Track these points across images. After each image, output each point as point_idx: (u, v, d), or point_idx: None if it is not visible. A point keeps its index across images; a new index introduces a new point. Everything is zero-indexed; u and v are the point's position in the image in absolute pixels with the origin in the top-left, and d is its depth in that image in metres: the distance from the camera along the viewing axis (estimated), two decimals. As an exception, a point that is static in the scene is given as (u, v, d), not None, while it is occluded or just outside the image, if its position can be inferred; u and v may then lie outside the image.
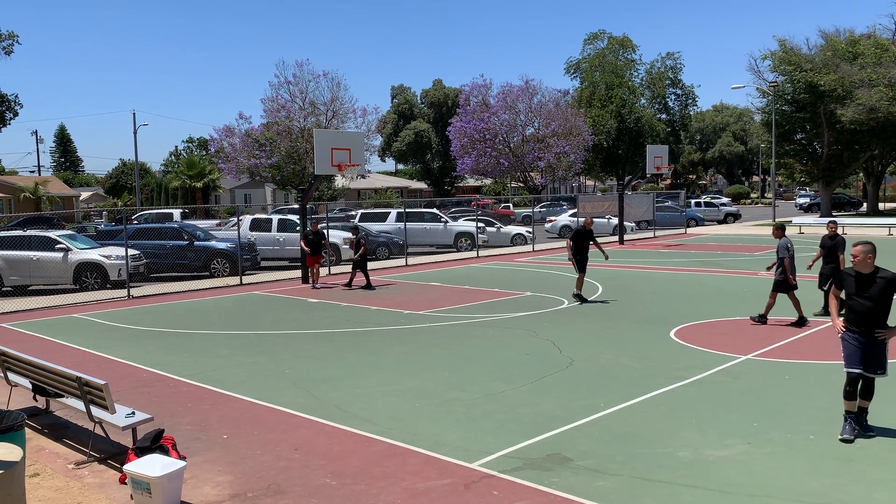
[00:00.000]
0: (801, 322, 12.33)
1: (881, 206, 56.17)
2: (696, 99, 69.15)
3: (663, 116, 65.87)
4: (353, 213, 34.84)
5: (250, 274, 22.22)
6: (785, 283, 12.16)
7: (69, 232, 22.10)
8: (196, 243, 22.32)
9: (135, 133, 57.76)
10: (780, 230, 12.63)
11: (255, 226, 25.64)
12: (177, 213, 34.02)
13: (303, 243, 19.42)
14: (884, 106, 39.22)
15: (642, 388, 8.68)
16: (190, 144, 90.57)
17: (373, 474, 6.33)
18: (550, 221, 38.53)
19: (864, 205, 56.43)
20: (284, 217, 26.10)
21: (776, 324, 12.46)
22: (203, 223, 30.40)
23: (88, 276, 19.42)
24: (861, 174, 56.63)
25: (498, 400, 8.39)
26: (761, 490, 5.79)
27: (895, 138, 42.79)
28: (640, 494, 5.77)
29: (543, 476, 6.16)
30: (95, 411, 6.98)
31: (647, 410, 7.89)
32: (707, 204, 51.40)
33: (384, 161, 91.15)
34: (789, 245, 12.12)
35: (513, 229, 33.18)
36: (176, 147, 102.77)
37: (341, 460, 6.68)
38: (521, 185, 58.02)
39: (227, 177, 49.99)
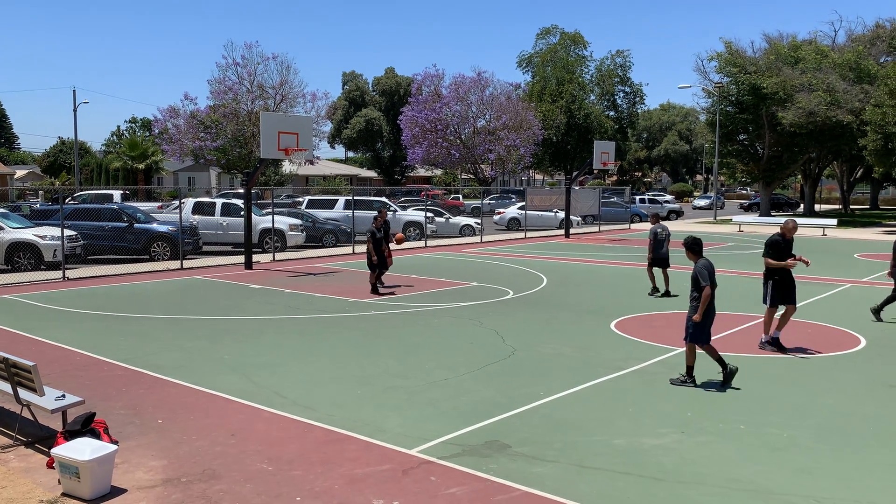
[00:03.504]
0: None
1: (817, 207, 58.20)
2: (644, 97, 70.23)
3: (611, 113, 66.77)
4: (301, 199, 34.43)
5: (192, 258, 21.78)
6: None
7: (1, 210, 21.28)
8: (136, 225, 21.75)
9: (75, 111, 56.01)
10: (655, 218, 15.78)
11: (198, 209, 25.10)
12: (117, 194, 33.06)
13: (371, 244, 15.23)
14: (822, 110, 40.53)
15: (582, 378, 8.81)
16: (133, 125, 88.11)
17: (310, 460, 6.28)
18: (499, 213, 38.77)
19: (801, 206, 58.35)
20: (228, 201, 25.64)
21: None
22: (144, 205, 29.64)
23: (21, 256, 18.74)
24: (799, 176, 58.51)
25: (440, 387, 8.41)
26: (693, 477, 5.95)
27: (832, 142, 44.27)
28: (576, 481, 5.86)
29: (481, 462, 6.21)
30: (23, 394, 6.75)
31: (585, 399, 8.01)
32: (651, 201, 52.40)
33: (334, 148, 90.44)
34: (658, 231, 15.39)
35: (461, 220, 33.27)
36: (118, 127, 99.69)
37: (279, 446, 6.61)
38: (472, 176, 58.21)
39: (171, 159, 48.89)
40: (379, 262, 15.43)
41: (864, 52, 45.72)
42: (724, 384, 8.46)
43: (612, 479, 5.92)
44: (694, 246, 8.55)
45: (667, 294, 15.17)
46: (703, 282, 8.25)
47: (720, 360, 8.50)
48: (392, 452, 6.45)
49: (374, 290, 15.42)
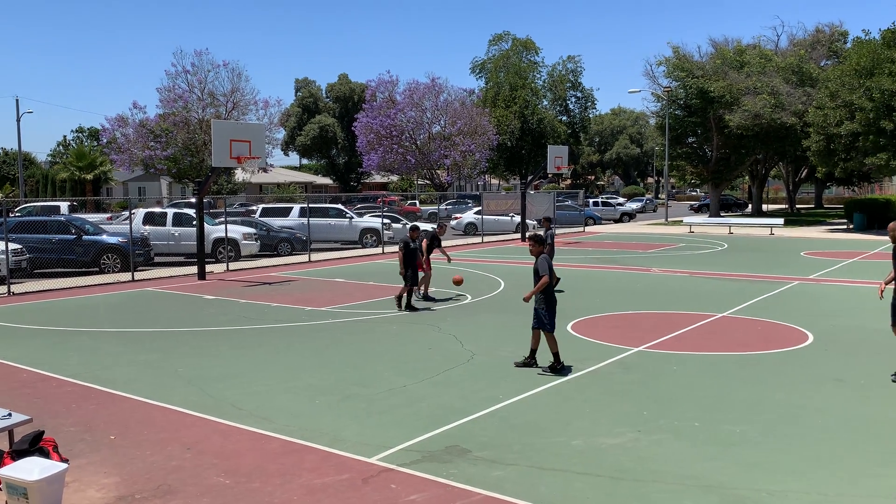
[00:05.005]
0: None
1: (764, 207, 59.70)
2: (596, 102, 71.30)
3: (564, 118, 67.58)
4: (254, 207, 34.03)
5: (143, 270, 21.33)
6: None
7: (-58, 224, 20.55)
8: (85, 237, 21.23)
9: (18, 121, 54.42)
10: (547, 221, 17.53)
11: (149, 220, 24.63)
12: (64, 205, 32.22)
13: (402, 255, 14.05)
14: (767, 113, 41.66)
15: (539, 380, 8.88)
16: (80, 134, 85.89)
17: (268, 472, 6.20)
18: (456, 219, 38.86)
19: (749, 206, 59.80)
20: (180, 211, 25.21)
21: (667, 317, 13.03)
22: (93, 217, 28.95)
23: (-37, 271, 18.12)
24: (747, 177, 59.97)
25: (399, 394, 8.39)
26: (649, 475, 6.04)
27: (777, 143, 45.49)
28: (536, 483, 5.90)
29: (441, 468, 6.20)
30: (-33, 414, 6.52)
31: (543, 401, 8.08)
32: (604, 203, 53.15)
33: (287, 155, 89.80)
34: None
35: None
36: (64, 137, 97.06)
37: (235, 459, 6.51)
38: (428, 182, 58.25)
39: (120, 169, 47.91)
40: (409, 276, 14.04)
41: (805, 55, 47.16)
42: (549, 370, 9.21)
43: (571, 479, 5.97)
44: (540, 240, 9.60)
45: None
46: (542, 272, 9.21)
47: (556, 353, 9.24)
48: (351, 461, 6.40)
49: (399, 304, 13.99)
